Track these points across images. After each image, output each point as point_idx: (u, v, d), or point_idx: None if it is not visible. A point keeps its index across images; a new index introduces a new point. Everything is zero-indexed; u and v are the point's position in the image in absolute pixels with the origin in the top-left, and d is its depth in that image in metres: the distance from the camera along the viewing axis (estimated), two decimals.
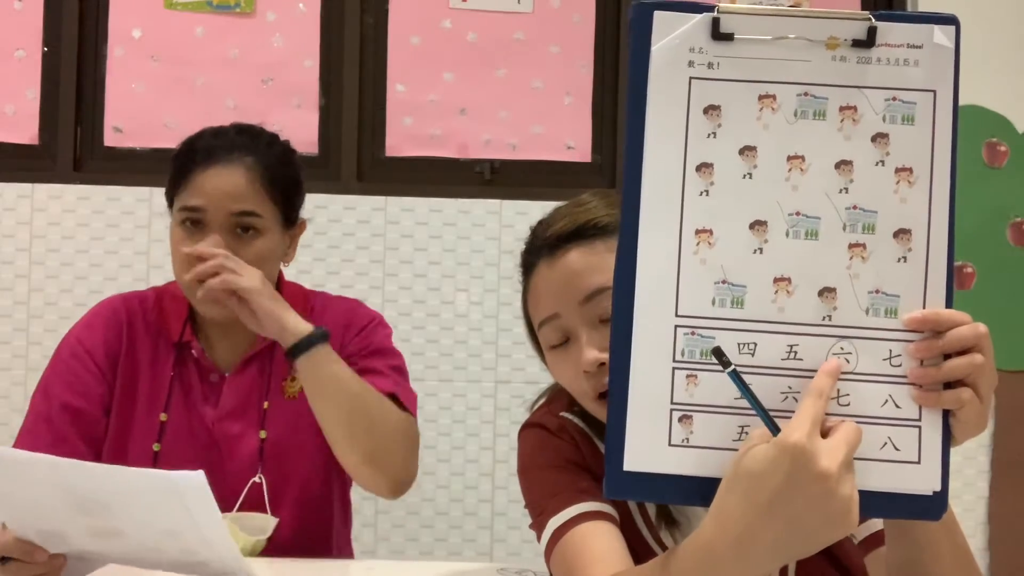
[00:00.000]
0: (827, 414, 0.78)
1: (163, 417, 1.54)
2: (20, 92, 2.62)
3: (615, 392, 0.80)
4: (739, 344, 0.80)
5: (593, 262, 1.06)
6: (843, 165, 0.80)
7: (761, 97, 0.80)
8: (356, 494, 1.72)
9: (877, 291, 0.80)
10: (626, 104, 0.82)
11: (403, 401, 1.53)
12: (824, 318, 0.80)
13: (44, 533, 1.16)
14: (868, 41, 0.80)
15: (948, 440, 0.80)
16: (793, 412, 0.77)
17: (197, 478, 1.03)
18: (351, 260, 2.55)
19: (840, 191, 0.80)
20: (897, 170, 0.80)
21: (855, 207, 0.80)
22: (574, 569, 1.01)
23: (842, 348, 0.80)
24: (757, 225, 0.80)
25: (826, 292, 0.80)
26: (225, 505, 1.48)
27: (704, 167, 0.81)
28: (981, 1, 2.52)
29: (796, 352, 0.80)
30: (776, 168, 0.80)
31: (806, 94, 0.80)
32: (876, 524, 1.07)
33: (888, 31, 0.81)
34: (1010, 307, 2.60)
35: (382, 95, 2.67)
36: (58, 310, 2.50)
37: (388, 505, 2.51)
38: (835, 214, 0.80)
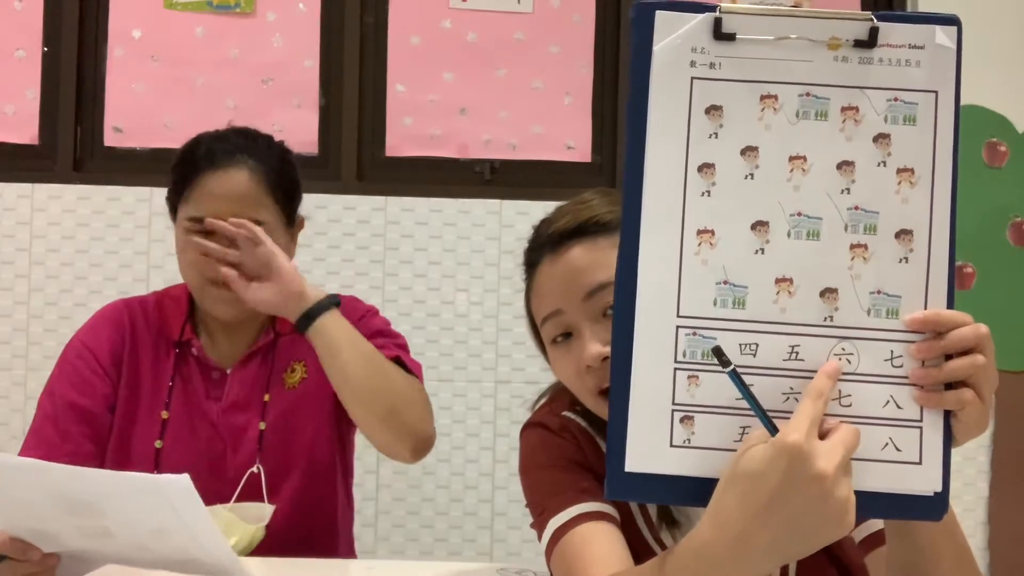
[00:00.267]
0: (828, 415, 0.78)
1: (164, 415, 1.57)
2: (20, 92, 2.62)
3: (616, 393, 0.80)
4: (741, 345, 0.79)
5: (596, 258, 1.06)
6: (845, 166, 0.80)
7: (763, 97, 0.80)
8: (357, 495, 1.72)
9: (879, 292, 0.80)
10: (627, 104, 0.81)
11: (408, 366, 1.56)
12: (826, 319, 0.80)
13: (36, 532, 1.17)
14: (870, 41, 0.80)
15: (949, 441, 0.80)
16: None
17: (183, 482, 1.03)
18: (351, 260, 2.55)
19: (842, 192, 0.80)
20: (899, 171, 0.80)
21: (857, 208, 0.80)
22: (574, 570, 1.01)
23: (843, 349, 0.80)
24: (759, 225, 0.80)
25: (828, 293, 0.80)
26: (228, 497, 1.49)
27: (706, 167, 0.80)
28: (981, 1, 2.52)
29: (798, 353, 0.80)
30: (778, 168, 0.80)
31: (808, 94, 0.80)
32: (876, 524, 1.06)
33: (890, 32, 0.80)
34: (1010, 307, 2.60)
35: (382, 95, 2.67)
36: (58, 310, 2.50)
37: (388, 505, 2.51)
38: (837, 215, 0.80)
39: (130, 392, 1.58)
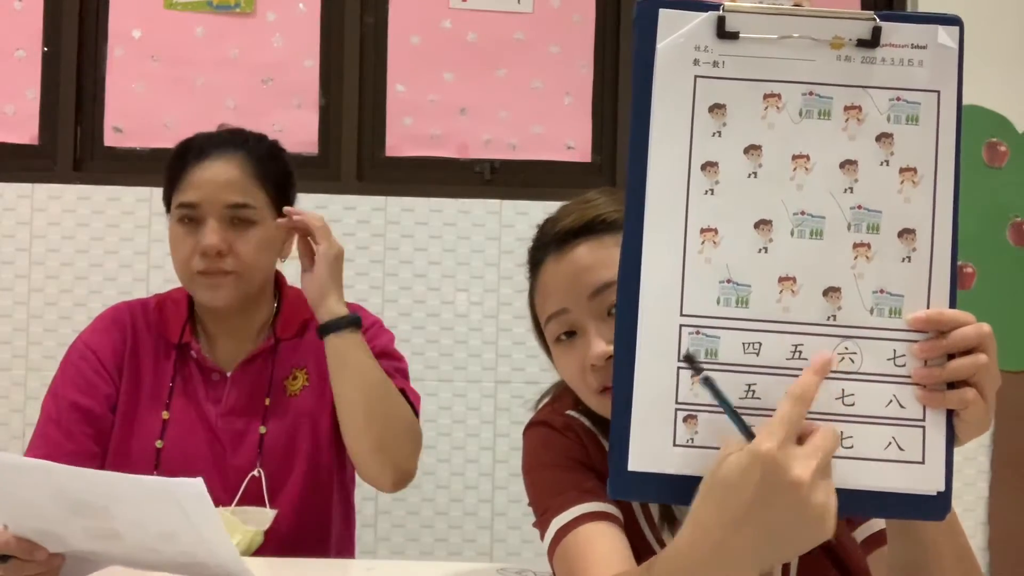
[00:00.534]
0: (831, 414, 0.78)
1: (165, 415, 1.58)
2: (20, 92, 2.62)
3: (619, 392, 0.80)
4: (744, 344, 0.79)
5: (601, 256, 1.06)
6: (847, 165, 0.80)
7: (766, 96, 0.80)
8: (357, 495, 1.72)
9: (881, 291, 0.80)
10: (631, 102, 0.81)
11: (410, 399, 1.57)
12: (829, 318, 0.80)
13: (41, 533, 1.17)
14: (872, 41, 0.80)
15: (952, 440, 0.80)
16: None
17: (196, 486, 1.03)
18: (351, 260, 2.54)
19: (845, 191, 0.80)
20: (901, 170, 0.81)
21: (859, 207, 0.80)
22: (575, 570, 1.01)
23: (846, 348, 0.80)
24: (762, 224, 0.80)
25: (831, 292, 0.80)
26: (226, 499, 1.50)
27: (709, 166, 0.80)
28: (982, 1, 2.53)
29: (801, 352, 0.79)
30: (781, 167, 0.80)
31: (811, 93, 0.80)
32: (878, 524, 1.06)
33: (892, 31, 0.81)
34: (1010, 307, 2.60)
35: (382, 95, 2.67)
36: (58, 310, 2.50)
37: (388, 505, 2.51)
38: (840, 214, 0.80)
39: (131, 392, 1.58)
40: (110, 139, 2.63)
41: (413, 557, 2.51)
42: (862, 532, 1.08)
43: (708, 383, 0.77)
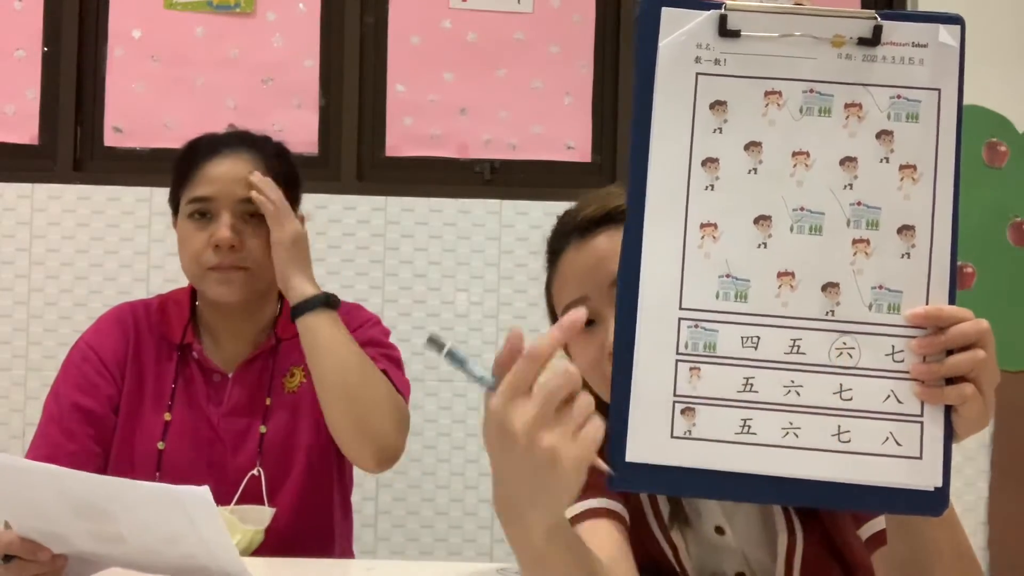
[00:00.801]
0: (827, 408, 0.78)
1: (167, 417, 1.58)
2: (20, 92, 2.62)
3: (618, 384, 0.81)
4: (742, 338, 0.80)
5: None
6: (847, 161, 0.81)
7: (767, 93, 0.81)
8: (357, 495, 1.72)
9: (880, 287, 0.81)
10: (632, 100, 0.82)
11: (394, 382, 1.57)
12: (827, 313, 0.80)
13: (45, 534, 1.17)
14: (873, 39, 0.81)
15: (950, 436, 0.80)
16: (796, 407, 0.78)
17: (202, 494, 1.04)
18: (351, 260, 2.56)
19: (844, 187, 0.81)
20: (901, 167, 0.81)
21: (859, 203, 0.81)
22: None
23: (845, 343, 0.80)
24: (761, 220, 0.81)
25: (829, 287, 0.80)
26: (226, 499, 1.50)
27: (710, 162, 0.81)
28: (982, 1, 2.53)
29: (799, 347, 0.80)
30: (781, 164, 0.81)
31: (812, 91, 0.81)
32: (881, 523, 1.06)
33: (893, 30, 0.81)
34: (1010, 307, 2.60)
35: (382, 95, 2.67)
36: (58, 310, 2.51)
37: (388, 505, 2.51)
38: (839, 210, 0.81)
39: (134, 393, 1.59)
40: (110, 139, 2.64)
41: (413, 557, 2.51)
42: (866, 531, 1.08)
43: (450, 356, 0.78)
